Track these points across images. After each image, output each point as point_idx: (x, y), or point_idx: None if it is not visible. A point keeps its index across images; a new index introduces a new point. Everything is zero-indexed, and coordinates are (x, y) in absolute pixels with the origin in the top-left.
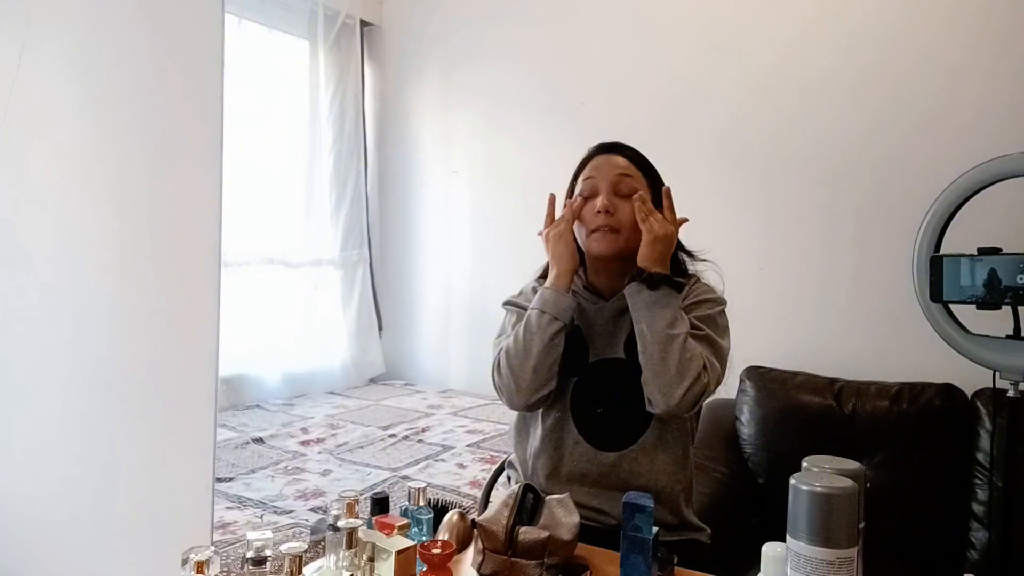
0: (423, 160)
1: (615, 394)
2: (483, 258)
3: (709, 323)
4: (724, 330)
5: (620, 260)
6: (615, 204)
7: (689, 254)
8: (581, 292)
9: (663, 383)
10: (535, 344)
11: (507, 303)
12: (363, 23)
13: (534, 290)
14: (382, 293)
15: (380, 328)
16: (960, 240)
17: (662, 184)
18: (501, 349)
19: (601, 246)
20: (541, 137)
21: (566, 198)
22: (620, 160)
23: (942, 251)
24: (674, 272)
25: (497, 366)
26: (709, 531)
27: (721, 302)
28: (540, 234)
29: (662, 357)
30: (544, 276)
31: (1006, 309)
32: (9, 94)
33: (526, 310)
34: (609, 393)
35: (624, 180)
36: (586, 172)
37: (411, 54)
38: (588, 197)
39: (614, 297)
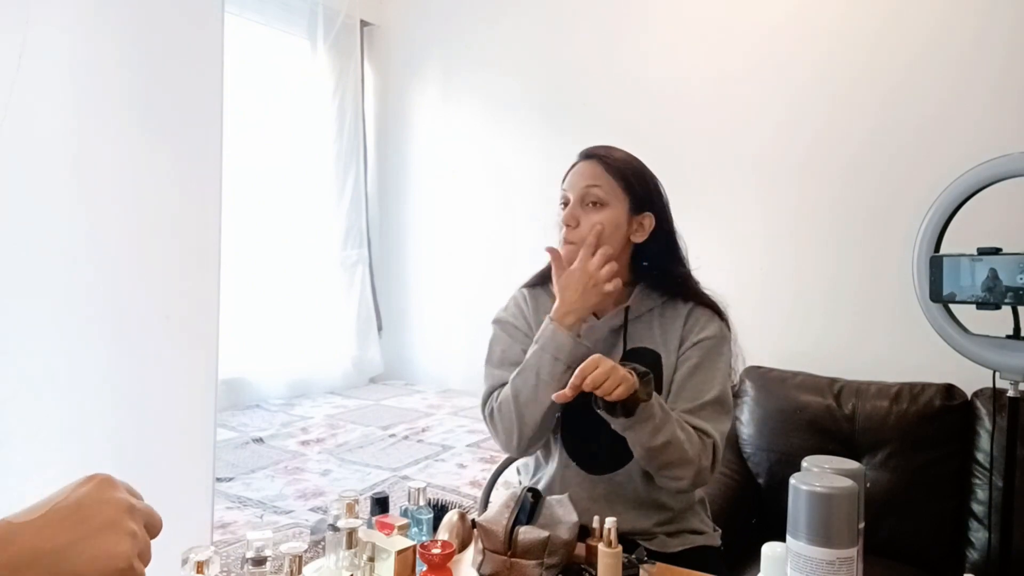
0: (423, 160)
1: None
2: (482, 257)
3: (707, 370)
4: (723, 370)
5: None
6: (577, 216)
7: (688, 277)
8: None
9: (670, 478)
10: (548, 394)
11: (496, 321)
12: (363, 23)
13: (525, 301)
14: (381, 293)
15: (380, 328)
16: (960, 240)
17: (650, 192)
18: (510, 388)
19: (568, 256)
20: (541, 137)
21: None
22: (595, 169)
23: (942, 251)
24: (675, 292)
25: (498, 409)
26: (719, 533)
27: (718, 336)
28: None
29: (661, 463)
30: (533, 285)
31: (1006, 309)
32: (9, 94)
33: (518, 330)
34: (597, 414)
35: (591, 191)
36: (565, 182)
37: (411, 54)
38: (564, 206)
39: (606, 316)
